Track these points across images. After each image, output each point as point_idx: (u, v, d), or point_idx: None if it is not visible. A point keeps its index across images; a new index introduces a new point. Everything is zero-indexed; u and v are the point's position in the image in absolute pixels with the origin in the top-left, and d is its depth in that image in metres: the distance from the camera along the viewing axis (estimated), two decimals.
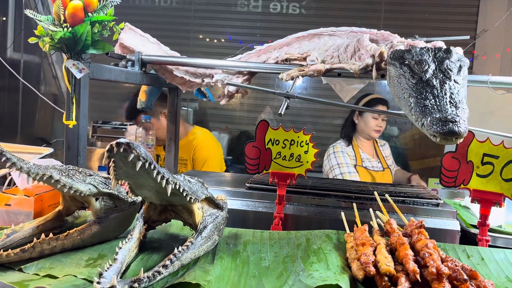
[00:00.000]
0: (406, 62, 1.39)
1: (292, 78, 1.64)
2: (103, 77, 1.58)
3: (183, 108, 5.02)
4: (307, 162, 1.42)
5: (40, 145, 4.78)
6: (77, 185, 1.17)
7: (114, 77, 1.65)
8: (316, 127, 5.53)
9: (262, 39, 1.92)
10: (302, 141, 1.41)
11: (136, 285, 0.95)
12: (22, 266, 1.06)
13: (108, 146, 0.93)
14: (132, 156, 0.92)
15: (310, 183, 1.77)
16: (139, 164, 0.93)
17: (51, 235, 1.15)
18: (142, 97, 2.17)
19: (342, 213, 1.40)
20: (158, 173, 0.99)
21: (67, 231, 1.18)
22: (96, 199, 1.25)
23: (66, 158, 1.49)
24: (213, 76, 1.85)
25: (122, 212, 1.29)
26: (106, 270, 0.98)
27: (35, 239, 1.12)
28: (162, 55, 1.87)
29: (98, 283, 0.93)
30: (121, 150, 0.91)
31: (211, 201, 1.25)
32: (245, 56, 1.87)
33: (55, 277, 1.01)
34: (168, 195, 1.03)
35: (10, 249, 1.08)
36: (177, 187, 1.05)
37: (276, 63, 1.76)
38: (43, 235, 1.13)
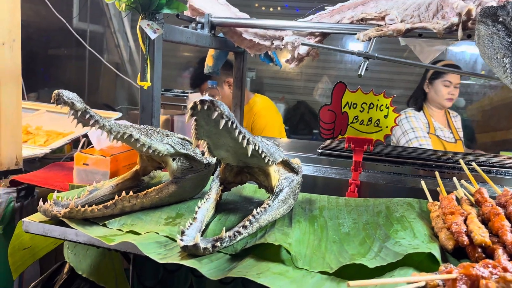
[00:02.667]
0: (500, 19, 1.27)
1: (370, 39, 1.55)
2: (175, 39, 1.56)
3: None
4: (386, 127, 1.35)
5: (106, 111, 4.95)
6: (155, 144, 1.18)
7: (185, 39, 1.63)
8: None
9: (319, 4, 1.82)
10: (382, 105, 1.34)
11: (218, 243, 0.94)
12: (105, 222, 1.08)
13: (191, 104, 0.91)
14: (215, 114, 0.90)
15: (385, 150, 1.69)
16: (222, 122, 0.91)
17: (131, 193, 1.16)
18: (209, 62, 2.16)
19: (423, 182, 1.33)
20: (240, 132, 0.96)
21: (146, 190, 1.19)
22: (173, 160, 1.25)
23: (140, 119, 1.50)
24: (283, 39, 1.79)
25: (197, 173, 1.28)
26: (187, 229, 0.99)
27: (116, 196, 1.14)
28: (231, 17, 1.83)
29: (182, 240, 0.93)
30: (205, 107, 0.89)
31: (287, 165, 1.21)
32: (316, 17, 1.79)
33: (137, 233, 1.03)
34: (249, 155, 1.01)
35: (94, 205, 1.11)
36: (257, 148, 1.03)
37: (351, 23, 1.68)
38: (123, 193, 1.15)
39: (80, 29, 5.56)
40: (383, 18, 1.60)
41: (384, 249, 0.94)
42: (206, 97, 0.90)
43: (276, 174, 1.17)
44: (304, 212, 1.22)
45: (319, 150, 1.65)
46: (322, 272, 0.89)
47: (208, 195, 1.15)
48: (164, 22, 1.47)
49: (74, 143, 2.45)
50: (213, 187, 1.19)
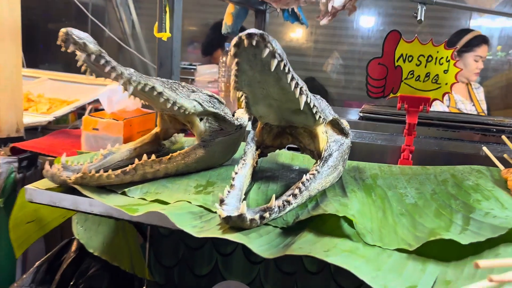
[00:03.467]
0: None
1: None
2: None
3: None
4: (446, 84, 1.16)
5: None
6: (181, 100, 0.99)
7: None
8: None
9: None
10: (442, 58, 1.14)
11: (266, 214, 0.76)
12: (125, 189, 0.90)
13: (235, 39, 0.73)
14: (266, 51, 0.71)
15: (433, 114, 1.51)
16: (274, 63, 0.72)
17: (153, 157, 0.98)
18: (228, 21, 1.95)
19: (485, 148, 1.15)
20: (293, 78, 0.77)
21: (170, 154, 1.01)
22: (200, 120, 1.06)
23: (158, 76, 1.31)
24: None
25: (228, 136, 1.10)
26: (226, 197, 0.81)
27: (136, 160, 0.96)
28: None
29: (223, 210, 0.75)
30: (253, 43, 0.70)
31: (336, 125, 1.03)
32: None
33: (165, 203, 0.85)
34: (301, 108, 0.82)
35: (110, 170, 0.92)
36: (309, 100, 0.84)
37: None
38: (145, 156, 0.97)
39: (81, 3, 5.34)
40: None
41: (473, 222, 0.76)
42: (254, 29, 0.72)
43: (324, 135, 0.99)
44: (356, 181, 1.04)
45: (361, 114, 1.46)
46: (399, 250, 0.71)
47: (243, 160, 0.97)
48: None
49: (79, 113, 2.27)
50: (249, 151, 1.01)
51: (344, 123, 1.05)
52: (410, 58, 1.15)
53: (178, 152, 1.02)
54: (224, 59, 2.07)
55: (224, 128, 1.10)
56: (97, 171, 0.93)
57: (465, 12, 4.09)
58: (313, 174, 0.90)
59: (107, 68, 0.87)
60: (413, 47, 1.15)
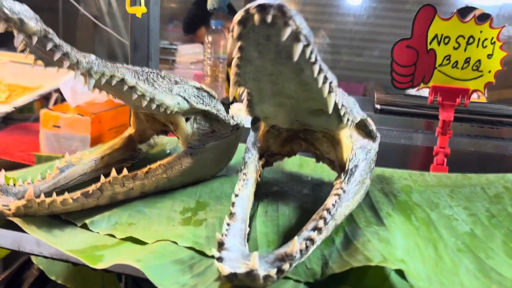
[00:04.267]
0: None
1: None
2: None
3: None
4: (489, 72, 0.94)
5: None
6: (161, 96, 0.75)
7: None
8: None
9: None
10: (487, 39, 0.93)
11: (286, 265, 0.53)
12: (86, 221, 0.66)
13: (240, 14, 0.49)
14: (288, 31, 0.48)
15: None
16: (298, 48, 0.49)
17: (125, 171, 0.74)
18: None
19: None
20: (321, 71, 0.54)
21: (148, 167, 0.77)
22: (187, 120, 0.83)
23: (132, 63, 1.06)
24: None
25: (221, 140, 0.87)
26: (225, 235, 0.58)
27: (102, 177, 0.72)
28: None
29: (222, 260, 0.53)
30: (268, 19, 0.47)
31: (363, 127, 0.80)
32: None
33: (141, 242, 0.62)
34: (330, 110, 0.59)
35: (66, 192, 0.68)
36: (337, 99, 0.61)
37: None
38: (113, 172, 0.73)
39: None
40: None
41: None
42: (268, 0, 0.48)
43: (349, 141, 0.76)
44: (386, 197, 0.82)
45: (378, 106, 1.23)
46: None
47: (244, 174, 0.74)
48: None
49: (45, 100, 1.99)
50: (250, 161, 0.77)
51: (372, 124, 0.82)
52: (446, 40, 0.93)
53: (158, 163, 0.78)
54: (210, 38, 1.82)
55: (216, 129, 0.86)
56: (49, 194, 0.69)
57: None
58: (338, 195, 0.68)
59: (57, 55, 0.63)
60: (451, 26, 0.92)
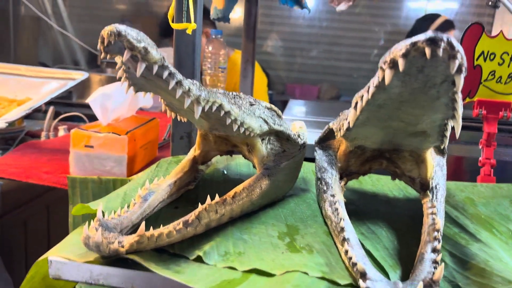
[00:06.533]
0: None
1: None
2: None
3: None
4: None
5: None
6: (248, 119, 0.74)
7: None
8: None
9: None
10: None
11: None
12: (199, 253, 0.64)
13: (406, 46, 0.50)
14: (456, 63, 0.49)
15: None
16: (461, 79, 0.50)
17: (217, 198, 0.72)
18: (218, 4, 1.67)
19: None
20: (454, 100, 0.56)
21: (233, 191, 0.75)
22: (262, 141, 0.82)
23: None
24: None
25: (292, 160, 0.86)
26: (360, 263, 0.58)
27: (199, 205, 0.69)
28: None
29: None
30: (440, 54, 0.48)
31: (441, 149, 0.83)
32: None
33: (267, 274, 0.60)
34: (457, 135, 0.61)
35: (161, 224, 0.65)
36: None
37: None
38: (208, 200, 0.71)
39: None
40: None
41: None
42: (435, 33, 0.49)
43: (431, 158, 0.78)
44: (458, 211, 0.85)
45: None
46: None
47: (331, 196, 0.75)
48: None
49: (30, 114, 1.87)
50: (333, 182, 0.78)
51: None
52: (492, 56, 0.98)
53: (242, 186, 0.77)
54: (210, 48, 1.80)
55: (286, 149, 0.86)
56: (138, 224, 0.66)
57: None
58: (434, 213, 0.70)
59: (172, 84, 0.60)
60: (497, 43, 0.97)
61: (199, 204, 0.69)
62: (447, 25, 2.94)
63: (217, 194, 0.73)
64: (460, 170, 1.12)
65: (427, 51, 0.48)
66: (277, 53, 5.65)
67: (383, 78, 0.53)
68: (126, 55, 0.55)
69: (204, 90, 0.65)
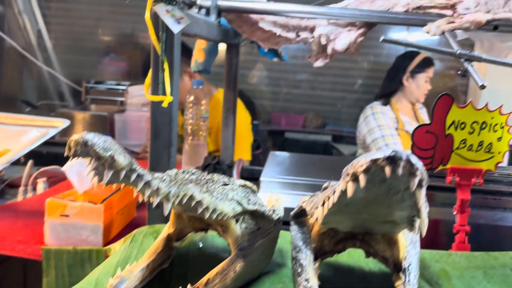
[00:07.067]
0: None
1: (443, 32, 1.21)
2: (192, 31, 1.10)
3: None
4: (499, 153, 1.03)
5: (25, 110, 4.18)
6: (221, 205, 0.74)
7: (199, 31, 1.17)
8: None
9: None
10: (497, 124, 1.01)
11: None
12: None
13: (366, 164, 0.50)
14: (416, 180, 0.50)
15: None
16: (422, 193, 0.51)
17: (189, 287, 0.71)
18: (199, 58, 1.69)
19: None
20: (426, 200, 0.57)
21: (206, 277, 0.75)
22: (236, 221, 0.82)
23: (152, 149, 1.03)
24: (312, 30, 1.39)
25: (267, 236, 0.86)
26: None
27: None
28: (244, 0, 1.39)
29: None
30: (399, 173, 0.49)
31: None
32: (354, 2, 1.41)
33: None
34: (416, 231, 0.62)
35: None
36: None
37: (406, 11, 1.32)
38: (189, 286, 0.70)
39: None
40: (452, 6, 1.27)
41: None
42: (398, 151, 0.50)
43: (403, 238, 0.79)
44: (430, 285, 0.85)
45: None
46: None
47: (305, 280, 0.75)
48: (184, 7, 1.01)
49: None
50: (307, 264, 0.78)
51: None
52: (462, 126, 1.00)
53: (215, 271, 0.76)
54: (191, 98, 1.81)
55: (261, 226, 0.85)
56: None
57: (401, 31, 4.15)
58: None
59: (140, 185, 0.60)
60: (467, 113, 1.00)
61: None
62: (427, 63, 3.00)
63: (189, 285, 0.72)
64: (437, 234, 1.13)
65: (387, 170, 0.49)
66: (262, 83, 5.71)
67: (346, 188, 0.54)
68: (93, 164, 0.55)
69: (174, 185, 0.65)
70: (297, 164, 1.54)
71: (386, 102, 3.07)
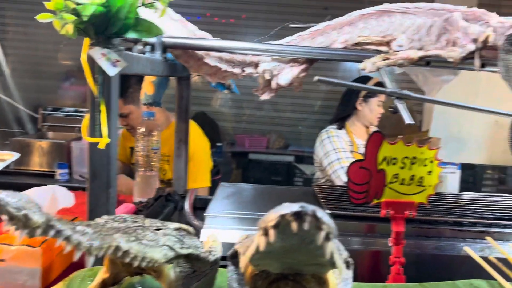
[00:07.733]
0: None
1: (378, 69, 1.27)
2: (132, 70, 1.11)
3: None
4: (430, 186, 1.07)
5: None
6: (151, 253, 0.74)
7: (141, 69, 1.19)
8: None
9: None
10: (426, 159, 1.05)
11: None
12: None
13: (275, 219, 0.52)
14: (323, 234, 0.52)
15: None
16: (329, 246, 0.54)
17: None
18: (148, 90, 1.70)
19: (467, 249, 1.08)
20: (334, 251, 0.59)
21: None
22: (170, 265, 0.82)
23: (91, 191, 1.02)
24: (257, 65, 1.43)
25: (203, 278, 0.87)
26: None
27: None
28: (189, 37, 1.41)
29: None
30: (306, 228, 0.51)
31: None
32: (296, 39, 1.46)
33: None
34: (338, 269, 0.64)
35: None
36: (338, 259, 0.66)
37: (345, 48, 1.38)
38: None
39: None
40: (387, 43, 1.33)
41: None
42: (305, 206, 0.52)
43: (333, 277, 0.81)
44: None
45: (328, 211, 1.31)
46: None
47: None
48: (123, 49, 1.02)
49: None
50: None
51: (348, 256, 0.88)
52: (394, 161, 1.04)
53: None
54: (142, 129, 1.80)
55: (197, 269, 0.86)
56: None
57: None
58: None
59: (59, 240, 0.60)
60: (397, 149, 1.04)
61: None
62: (380, 86, 3.09)
63: None
64: (377, 264, 1.16)
65: (293, 225, 0.51)
66: (226, 105, 5.73)
67: None
68: (7, 224, 0.55)
69: (97, 237, 0.66)
70: (246, 196, 1.55)
71: (341, 126, 3.14)
